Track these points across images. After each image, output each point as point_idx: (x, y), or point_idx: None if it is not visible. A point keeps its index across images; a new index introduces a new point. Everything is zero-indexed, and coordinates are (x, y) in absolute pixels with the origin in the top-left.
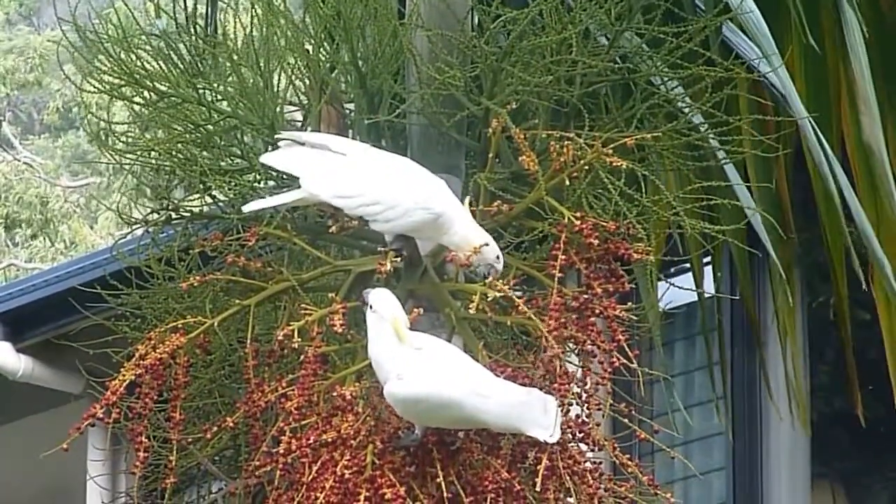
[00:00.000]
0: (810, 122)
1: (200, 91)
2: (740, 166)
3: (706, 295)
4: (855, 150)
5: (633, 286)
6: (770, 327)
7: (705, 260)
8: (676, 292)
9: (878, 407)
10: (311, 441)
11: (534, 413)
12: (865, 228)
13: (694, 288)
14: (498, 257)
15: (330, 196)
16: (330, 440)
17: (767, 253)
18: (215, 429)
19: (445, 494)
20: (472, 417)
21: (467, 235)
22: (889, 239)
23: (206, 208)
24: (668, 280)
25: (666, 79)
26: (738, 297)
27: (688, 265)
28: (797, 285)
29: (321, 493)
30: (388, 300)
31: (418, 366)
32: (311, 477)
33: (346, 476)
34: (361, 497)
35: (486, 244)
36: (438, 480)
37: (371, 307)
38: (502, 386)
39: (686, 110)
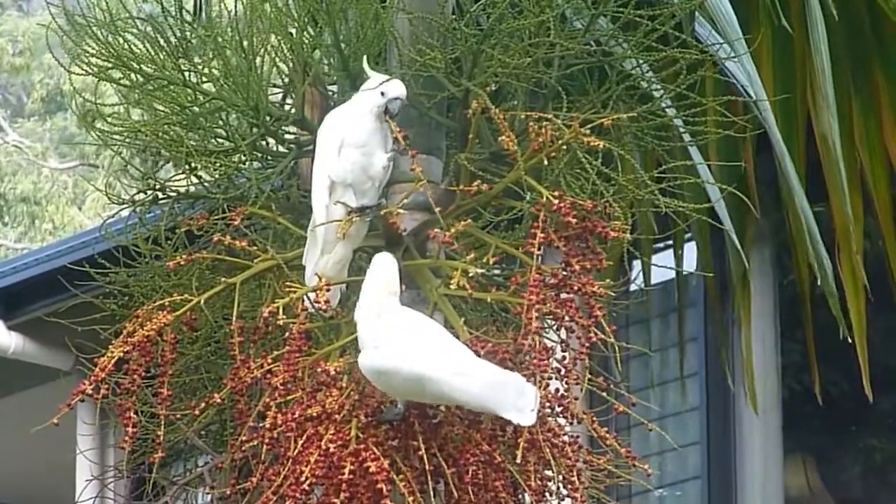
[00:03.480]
0: (768, 107)
1: (186, 73)
2: (708, 147)
3: (663, 275)
4: (818, 136)
5: (611, 263)
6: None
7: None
8: (653, 271)
9: (846, 383)
10: (296, 415)
11: (510, 395)
12: (808, 219)
13: (648, 268)
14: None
15: None
16: (314, 415)
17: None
18: (202, 404)
19: (427, 467)
20: (446, 394)
21: None
22: (842, 229)
23: (192, 188)
24: (644, 258)
25: (639, 62)
26: (712, 275)
27: (663, 244)
28: (769, 264)
29: (306, 466)
30: (385, 262)
31: (395, 338)
32: (296, 451)
33: (331, 450)
34: (346, 470)
35: None
36: (420, 453)
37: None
38: (481, 365)
39: (657, 93)
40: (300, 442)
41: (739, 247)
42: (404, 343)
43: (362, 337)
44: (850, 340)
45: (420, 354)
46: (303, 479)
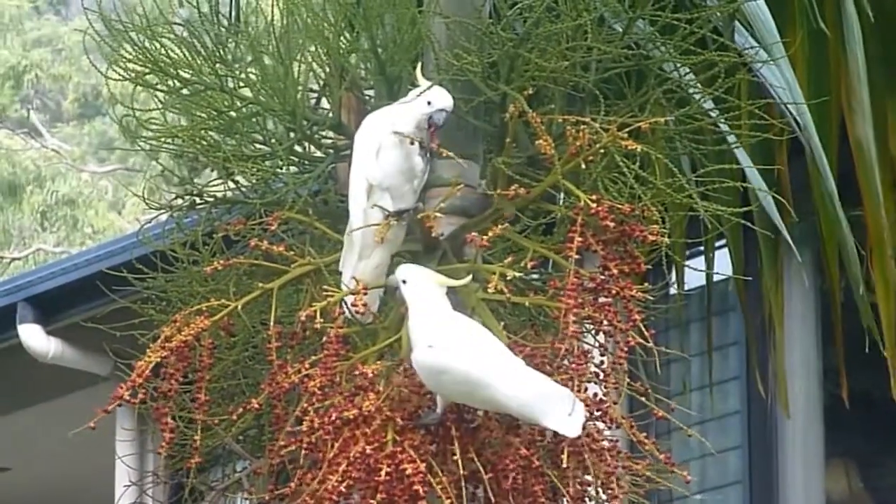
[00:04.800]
0: (805, 111)
1: (223, 78)
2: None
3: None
4: (854, 140)
5: (650, 267)
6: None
7: (718, 244)
8: (693, 274)
9: (888, 387)
10: (332, 418)
11: (558, 408)
12: (842, 224)
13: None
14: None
15: None
16: (351, 417)
17: (772, 236)
18: (240, 410)
19: (463, 472)
20: (494, 399)
21: None
22: (876, 233)
23: (229, 193)
24: (684, 262)
25: (678, 65)
26: (749, 279)
27: (702, 247)
28: (809, 267)
29: (342, 467)
30: (418, 269)
31: (449, 337)
32: (332, 453)
33: (368, 451)
34: (382, 472)
35: None
36: (457, 458)
37: (404, 281)
38: (532, 374)
39: (696, 96)
40: (336, 444)
41: (777, 250)
42: (458, 344)
43: (415, 337)
44: (880, 346)
45: (471, 356)
46: (338, 479)
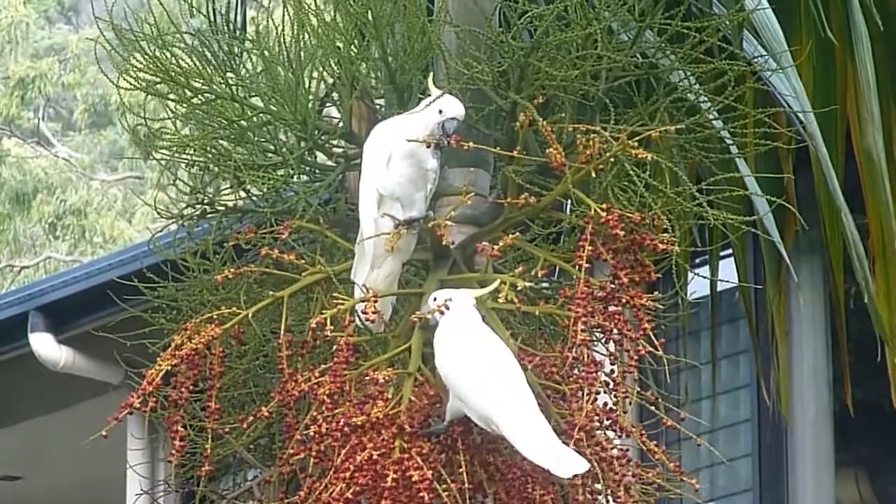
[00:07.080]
0: (812, 119)
1: (234, 87)
2: (747, 160)
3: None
4: (860, 149)
5: (660, 276)
6: (791, 317)
7: (724, 253)
8: (704, 283)
9: None
10: (341, 424)
11: (553, 456)
12: (852, 232)
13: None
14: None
15: None
16: (359, 423)
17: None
18: (250, 418)
19: (469, 484)
20: (483, 408)
21: None
22: (889, 241)
23: (240, 202)
24: (693, 270)
25: (686, 74)
26: (760, 287)
27: (707, 257)
28: (819, 275)
29: (349, 472)
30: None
31: (467, 332)
32: (340, 460)
33: (375, 457)
34: (389, 479)
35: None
36: (461, 469)
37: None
38: (539, 418)
39: (703, 105)
40: (344, 451)
41: (782, 259)
42: (470, 344)
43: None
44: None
45: (475, 358)
46: (345, 486)
